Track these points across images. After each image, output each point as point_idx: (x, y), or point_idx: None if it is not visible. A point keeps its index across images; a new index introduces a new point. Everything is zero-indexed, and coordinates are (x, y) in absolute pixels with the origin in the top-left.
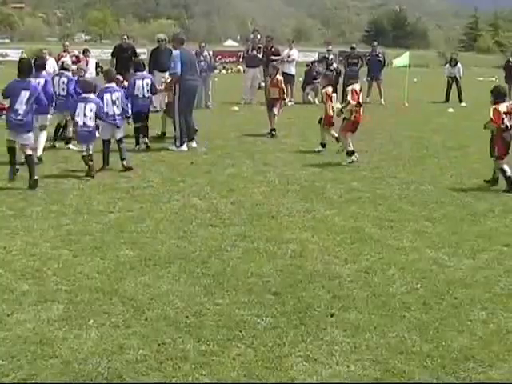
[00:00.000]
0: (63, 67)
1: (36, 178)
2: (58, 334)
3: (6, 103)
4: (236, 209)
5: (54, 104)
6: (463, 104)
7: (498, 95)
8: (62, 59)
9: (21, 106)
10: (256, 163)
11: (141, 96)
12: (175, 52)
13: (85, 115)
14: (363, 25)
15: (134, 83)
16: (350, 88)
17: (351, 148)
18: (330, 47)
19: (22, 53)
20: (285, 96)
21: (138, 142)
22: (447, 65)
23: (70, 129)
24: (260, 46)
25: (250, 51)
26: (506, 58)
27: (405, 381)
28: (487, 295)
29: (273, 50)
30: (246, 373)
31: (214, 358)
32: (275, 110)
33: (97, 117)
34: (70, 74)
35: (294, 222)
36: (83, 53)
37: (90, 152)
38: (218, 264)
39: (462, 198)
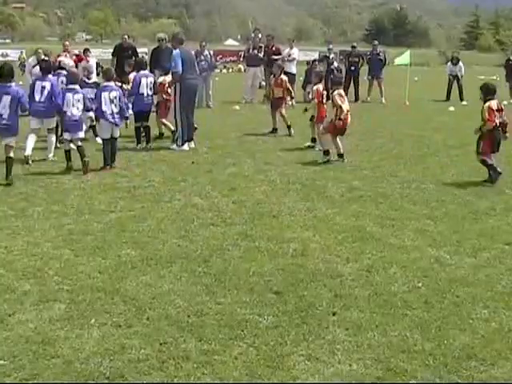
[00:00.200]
0: (60, 67)
1: (11, 178)
2: (60, 334)
3: None
4: (237, 208)
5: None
6: (464, 102)
7: (487, 92)
8: (59, 58)
9: (5, 111)
10: (257, 162)
11: (145, 95)
12: (175, 51)
13: (73, 105)
14: (364, 24)
15: (140, 81)
16: (335, 93)
17: (327, 148)
18: (330, 46)
19: (22, 53)
20: (291, 95)
21: (139, 141)
22: (449, 63)
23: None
24: (261, 45)
25: (250, 50)
26: (506, 57)
27: (407, 379)
28: (489, 294)
29: (274, 49)
30: (248, 372)
31: (215, 358)
32: (283, 111)
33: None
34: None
35: (295, 221)
36: (84, 52)
37: (79, 144)
38: (219, 263)
39: (463, 197)
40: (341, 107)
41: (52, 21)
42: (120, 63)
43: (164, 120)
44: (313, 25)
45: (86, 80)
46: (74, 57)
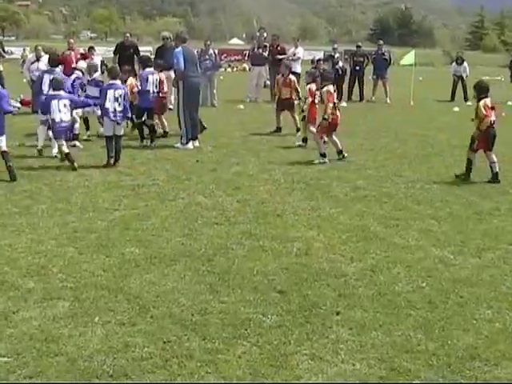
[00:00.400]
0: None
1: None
2: (64, 332)
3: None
4: (241, 207)
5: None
6: (469, 103)
7: (481, 90)
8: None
9: None
10: (261, 161)
11: (151, 91)
12: (177, 49)
13: (60, 111)
14: (369, 23)
15: (147, 78)
16: (324, 90)
17: (324, 151)
18: (335, 46)
19: (25, 50)
20: (299, 96)
21: (142, 138)
22: (453, 63)
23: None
24: (266, 44)
25: (255, 49)
26: (511, 57)
27: (410, 379)
28: (493, 294)
29: (279, 48)
30: (252, 371)
31: (219, 356)
32: (295, 114)
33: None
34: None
35: (299, 221)
36: (88, 50)
37: (66, 151)
38: (223, 262)
39: (467, 197)
40: (326, 106)
41: (57, 19)
42: (122, 61)
43: (161, 117)
44: (317, 24)
45: (89, 78)
46: (79, 55)
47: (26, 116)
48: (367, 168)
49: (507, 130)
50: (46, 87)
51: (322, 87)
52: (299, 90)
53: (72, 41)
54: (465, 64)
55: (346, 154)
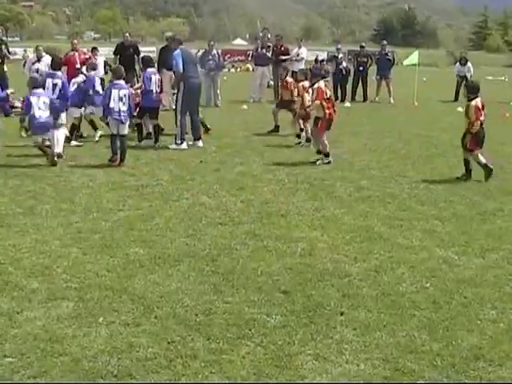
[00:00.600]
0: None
1: None
2: (68, 332)
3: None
4: (245, 207)
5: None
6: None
7: (472, 91)
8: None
9: None
10: (265, 161)
11: (154, 91)
12: (176, 51)
13: (39, 108)
14: (372, 24)
15: (150, 78)
16: (315, 86)
17: (328, 150)
18: (339, 46)
19: (26, 51)
20: (293, 98)
21: (140, 139)
22: (457, 64)
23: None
24: (269, 44)
25: (259, 50)
26: None
27: (414, 380)
28: (497, 294)
29: (282, 48)
30: (256, 371)
31: (223, 357)
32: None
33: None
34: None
35: (303, 221)
36: (91, 51)
37: (48, 143)
38: (227, 262)
39: (471, 197)
40: (313, 101)
41: (60, 19)
42: (123, 62)
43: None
44: (321, 24)
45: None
46: (83, 56)
47: None
48: (371, 168)
49: (511, 130)
50: (50, 91)
51: (313, 84)
52: (294, 91)
53: (76, 41)
54: (469, 64)
55: (321, 160)
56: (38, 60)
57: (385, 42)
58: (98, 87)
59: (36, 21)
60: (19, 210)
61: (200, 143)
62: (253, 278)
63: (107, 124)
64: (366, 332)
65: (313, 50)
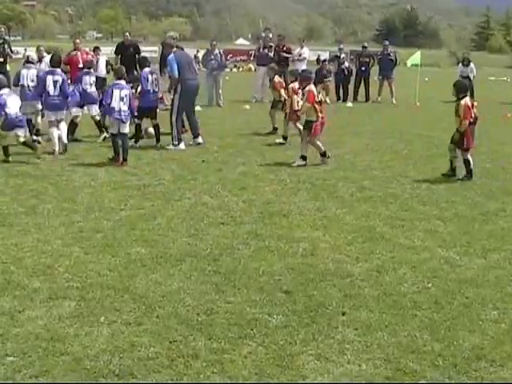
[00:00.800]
0: (28, 61)
1: None
2: (70, 331)
3: None
4: (247, 207)
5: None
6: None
7: (460, 90)
8: (27, 53)
9: None
10: (267, 161)
11: (151, 91)
12: (170, 56)
13: (9, 107)
14: (374, 24)
15: (147, 78)
16: (306, 89)
17: (323, 149)
18: (341, 46)
19: (26, 50)
20: (281, 99)
21: (137, 139)
22: (460, 64)
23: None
24: (271, 44)
25: (261, 49)
26: None
27: (416, 380)
28: (498, 295)
29: (285, 48)
30: (257, 371)
31: (225, 356)
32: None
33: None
34: (36, 66)
35: (305, 221)
36: (93, 51)
37: (22, 139)
38: (229, 262)
39: (473, 198)
40: (303, 104)
41: (63, 19)
42: (124, 61)
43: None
44: (323, 24)
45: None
46: (86, 55)
47: None
48: (373, 168)
49: None
50: (50, 88)
51: (304, 87)
52: (282, 92)
53: (78, 41)
54: (471, 65)
55: (299, 163)
56: (40, 60)
57: (387, 42)
58: (87, 86)
59: (38, 20)
60: (21, 210)
61: (200, 139)
62: (254, 278)
63: (98, 122)
64: (368, 332)
65: (315, 50)
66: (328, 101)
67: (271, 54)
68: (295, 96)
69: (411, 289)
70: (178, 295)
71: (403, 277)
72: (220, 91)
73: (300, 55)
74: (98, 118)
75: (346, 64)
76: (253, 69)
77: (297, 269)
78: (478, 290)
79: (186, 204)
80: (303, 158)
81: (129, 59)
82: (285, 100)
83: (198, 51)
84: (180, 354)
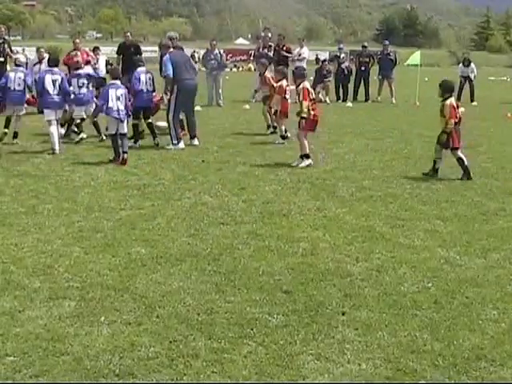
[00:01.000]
0: (16, 64)
1: None
2: (70, 331)
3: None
4: (247, 207)
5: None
6: (474, 103)
7: (446, 89)
8: (15, 56)
9: None
10: (267, 161)
11: (145, 91)
12: (166, 56)
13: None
14: (374, 23)
15: (139, 78)
16: (300, 87)
17: (307, 151)
18: (341, 46)
19: (24, 50)
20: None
21: (136, 139)
22: (460, 65)
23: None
24: (271, 44)
25: (260, 49)
26: None
27: (416, 380)
28: (499, 294)
29: (285, 48)
30: (257, 371)
31: (225, 356)
32: (269, 109)
33: None
34: (23, 69)
35: (305, 221)
36: (93, 51)
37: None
38: (229, 262)
39: (473, 197)
40: (301, 103)
41: (62, 19)
42: (126, 61)
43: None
44: (323, 24)
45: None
46: (86, 55)
47: (33, 116)
48: (373, 168)
49: None
50: (49, 87)
51: (298, 85)
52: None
53: (78, 41)
54: (472, 65)
55: (279, 141)
56: (40, 61)
57: (387, 42)
58: (76, 89)
59: (38, 20)
60: (21, 209)
61: (195, 141)
62: (254, 278)
63: (95, 124)
64: (368, 332)
65: (315, 50)
66: (328, 101)
67: (271, 54)
68: (284, 94)
69: (411, 288)
70: (178, 295)
71: (403, 276)
72: (220, 91)
73: (300, 55)
74: (79, 120)
75: (346, 64)
76: (253, 69)
77: (297, 268)
78: (478, 290)
79: (186, 204)
80: (306, 156)
81: (130, 59)
82: (271, 94)
83: (194, 51)
84: (180, 353)
